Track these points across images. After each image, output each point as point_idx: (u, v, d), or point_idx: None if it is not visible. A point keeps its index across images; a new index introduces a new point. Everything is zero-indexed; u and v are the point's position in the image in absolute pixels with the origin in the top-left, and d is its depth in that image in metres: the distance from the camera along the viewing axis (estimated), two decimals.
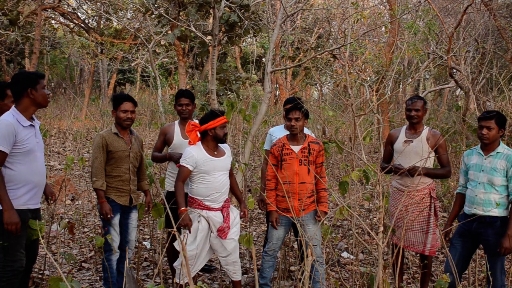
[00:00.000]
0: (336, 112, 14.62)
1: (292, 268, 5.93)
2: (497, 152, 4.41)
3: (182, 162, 4.62)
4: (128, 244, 4.93)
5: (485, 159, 4.45)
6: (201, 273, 5.79)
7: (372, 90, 11.12)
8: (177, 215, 4.94)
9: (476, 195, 4.42)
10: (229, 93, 13.63)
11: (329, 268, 5.90)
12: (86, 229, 7.32)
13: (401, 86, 15.84)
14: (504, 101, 10.10)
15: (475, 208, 4.42)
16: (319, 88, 24.53)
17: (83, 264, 6.01)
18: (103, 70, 25.44)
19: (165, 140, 5.31)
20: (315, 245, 4.80)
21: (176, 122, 5.40)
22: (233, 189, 5.03)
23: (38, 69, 22.08)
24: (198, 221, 4.68)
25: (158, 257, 6.20)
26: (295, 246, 6.25)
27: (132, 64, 24.01)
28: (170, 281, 5.46)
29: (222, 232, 4.70)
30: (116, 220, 4.74)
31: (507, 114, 9.73)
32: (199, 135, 4.75)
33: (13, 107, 4.06)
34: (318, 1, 20.20)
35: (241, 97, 14.68)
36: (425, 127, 5.13)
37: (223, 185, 4.76)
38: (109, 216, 4.64)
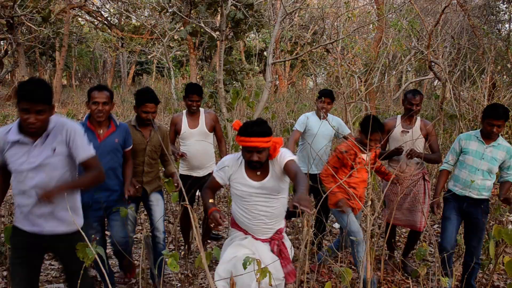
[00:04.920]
0: None
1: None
2: (499, 144, 4.20)
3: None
4: (156, 228, 4.42)
5: (486, 148, 4.21)
6: (209, 241, 5.76)
7: (361, 81, 11.02)
8: (188, 191, 4.81)
9: (473, 180, 4.21)
10: (234, 82, 13.54)
11: (322, 237, 5.87)
12: None
13: (386, 77, 15.70)
14: (477, 91, 10.01)
15: (470, 192, 4.23)
16: (314, 78, 24.38)
17: (107, 233, 5.98)
18: (123, 62, 25.27)
19: (175, 130, 5.03)
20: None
21: (184, 112, 5.10)
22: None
23: (66, 61, 21.98)
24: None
25: (172, 227, 6.18)
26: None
27: (149, 57, 23.87)
28: (182, 247, 5.44)
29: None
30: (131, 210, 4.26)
31: (478, 102, 9.65)
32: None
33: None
34: (313, 0, 19.96)
35: (245, 86, 14.56)
36: (417, 117, 4.98)
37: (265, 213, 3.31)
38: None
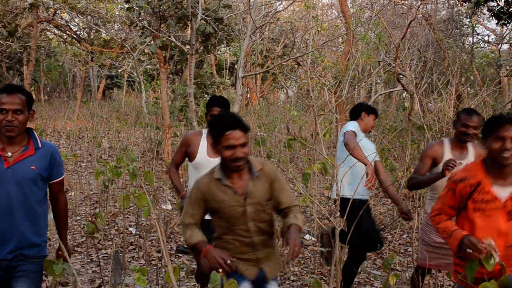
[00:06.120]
0: (300, 112, 14.65)
1: None
2: None
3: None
4: None
5: None
6: (180, 255, 5.74)
7: (331, 93, 11.18)
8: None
9: None
10: (205, 96, 13.56)
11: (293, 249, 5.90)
12: (78, 217, 7.18)
13: (355, 89, 15.98)
14: (442, 102, 10.26)
15: None
16: (285, 91, 24.59)
17: (76, 248, 5.90)
18: (93, 76, 25.06)
19: (187, 152, 3.83)
20: None
21: (204, 133, 3.80)
22: None
23: (35, 75, 21.63)
24: None
25: (143, 241, 6.13)
26: None
27: (119, 71, 23.72)
28: (153, 262, 5.40)
29: None
30: None
31: (444, 113, 9.89)
32: None
33: None
34: (283, 14, 20.21)
35: None
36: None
37: None
38: (224, 262, 2.52)
